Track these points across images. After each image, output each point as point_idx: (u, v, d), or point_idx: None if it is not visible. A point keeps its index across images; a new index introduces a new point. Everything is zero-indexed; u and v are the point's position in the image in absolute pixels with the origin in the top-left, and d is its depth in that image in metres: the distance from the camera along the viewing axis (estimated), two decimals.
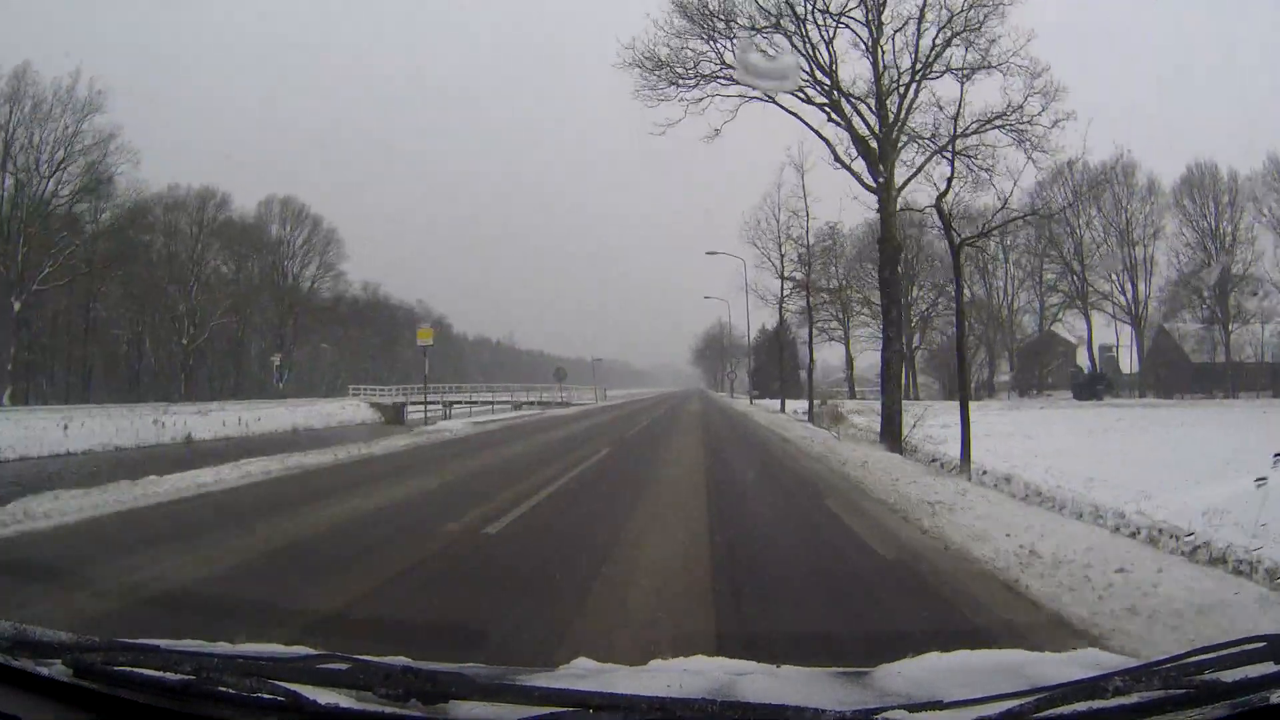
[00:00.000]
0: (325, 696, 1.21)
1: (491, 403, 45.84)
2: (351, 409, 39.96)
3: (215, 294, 51.86)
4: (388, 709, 1.20)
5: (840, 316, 41.42)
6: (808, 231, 27.57)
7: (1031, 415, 28.38)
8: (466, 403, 46.00)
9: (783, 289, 33.59)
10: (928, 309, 58.16)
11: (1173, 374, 46.81)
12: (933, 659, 1.50)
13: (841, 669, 1.53)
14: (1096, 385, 45.51)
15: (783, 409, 33.66)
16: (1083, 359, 55.36)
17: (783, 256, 31.68)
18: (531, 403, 44.86)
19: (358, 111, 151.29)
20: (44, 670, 1.30)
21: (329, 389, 55.55)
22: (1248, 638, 1.27)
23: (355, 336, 63.58)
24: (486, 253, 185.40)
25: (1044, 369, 54.45)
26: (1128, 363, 54.33)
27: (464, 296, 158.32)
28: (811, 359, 32.34)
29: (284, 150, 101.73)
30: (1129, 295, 52.42)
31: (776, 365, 58.21)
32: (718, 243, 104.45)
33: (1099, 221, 52.40)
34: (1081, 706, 1.14)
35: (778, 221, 30.97)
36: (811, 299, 29.82)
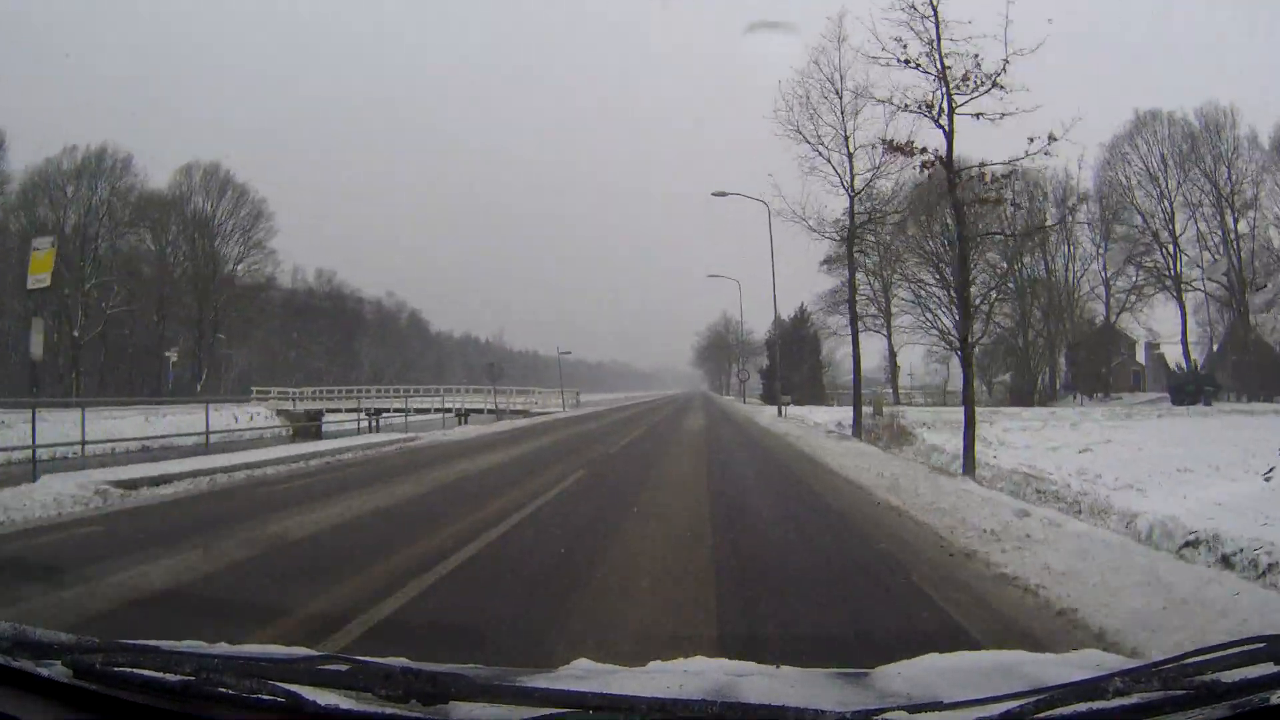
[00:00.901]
0: (325, 697, 1.43)
1: (442, 409, 44.84)
2: (252, 417, 37.22)
3: (113, 275, 51.32)
4: (388, 710, 1.41)
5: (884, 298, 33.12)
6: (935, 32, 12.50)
7: (1209, 431, 19.97)
8: (400, 410, 42.51)
9: (853, 205, 21.56)
10: (987, 294, 56.66)
11: (1259, 373, 46.68)
12: (932, 659, 1.73)
13: (841, 670, 1.75)
14: (1204, 386, 44.61)
15: (857, 432, 21.68)
16: (1144, 356, 55.45)
17: (850, 155, 20.67)
18: (479, 410, 44.10)
19: (335, 97, 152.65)
20: (44, 671, 1.51)
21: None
22: (1248, 638, 1.48)
23: (311, 330, 63.52)
24: (481, 251, 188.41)
25: (1104, 367, 54.55)
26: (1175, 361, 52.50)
27: (457, 296, 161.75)
28: (968, 310, 15.10)
29: (258, 133, 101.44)
30: (1233, 274, 50.11)
31: (793, 362, 56.10)
32: (728, 248, 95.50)
33: (1200, 173, 50.71)
34: (1081, 707, 1.31)
35: (840, 98, 20.08)
36: (959, 191, 13.16)
